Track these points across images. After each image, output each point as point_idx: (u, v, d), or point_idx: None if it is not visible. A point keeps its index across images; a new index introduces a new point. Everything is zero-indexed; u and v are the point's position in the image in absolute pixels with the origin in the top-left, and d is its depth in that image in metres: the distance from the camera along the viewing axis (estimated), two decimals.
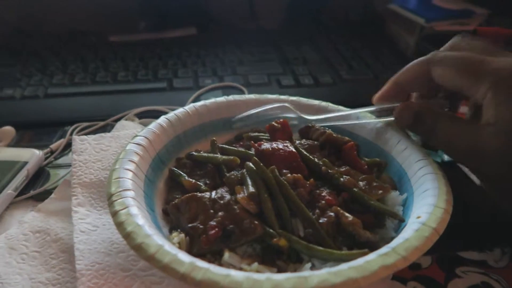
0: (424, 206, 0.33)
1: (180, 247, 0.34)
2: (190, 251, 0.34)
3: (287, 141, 0.41)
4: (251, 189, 0.36)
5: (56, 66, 0.74)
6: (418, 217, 0.32)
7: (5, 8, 0.89)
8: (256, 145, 0.41)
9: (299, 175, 0.37)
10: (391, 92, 0.43)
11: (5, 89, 0.66)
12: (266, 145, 0.40)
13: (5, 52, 0.81)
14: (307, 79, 0.70)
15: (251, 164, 0.38)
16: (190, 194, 0.37)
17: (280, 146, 0.40)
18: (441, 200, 0.34)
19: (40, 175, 0.49)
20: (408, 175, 0.40)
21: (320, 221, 0.34)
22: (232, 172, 0.39)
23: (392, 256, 0.28)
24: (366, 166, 0.41)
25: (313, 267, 0.32)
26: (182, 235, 0.35)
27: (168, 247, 0.29)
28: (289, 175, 0.38)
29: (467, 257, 0.40)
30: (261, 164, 0.37)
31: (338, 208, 0.35)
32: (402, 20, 0.85)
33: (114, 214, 0.32)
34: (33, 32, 0.90)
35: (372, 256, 0.29)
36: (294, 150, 0.40)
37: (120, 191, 0.34)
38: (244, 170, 0.38)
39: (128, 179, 0.36)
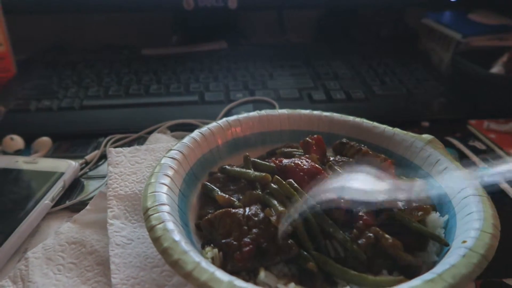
0: (469, 231, 0.32)
1: (213, 262, 0.33)
2: (224, 267, 0.33)
3: (309, 159, 0.41)
4: (279, 208, 0.35)
5: (91, 78, 0.76)
6: (464, 242, 0.31)
7: (43, 23, 0.92)
8: (277, 161, 0.40)
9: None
10: None
11: (44, 100, 0.68)
12: (287, 161, 0.40)
13: (43, 65, 0.83)
14: (339, 94, 0.69)
15: (273, 185, 0.37)
16: (224, 210, 0.37)
17: (303, 161, 0.40)
18: (487, 224, 0.32)
19: (75, 186, 0.50)
20: (449, 196, 0.38)
21: (359, 242, 0.33)
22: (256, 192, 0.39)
23: (439, 283, 0.27)
24: None
25: None
26: (216, 250, 0.35)
27: (205, 265, 0.29)
28: None
29: None
30: (283, 182, 0.37)
31: (378, 229, 0.34)
32: (436, 35, 0.83)
33: (151, 228, 0.32)
34: (69, 46, 0.93)
35: (417, 282, 0.27)
36: (316, 165, 0.39)
37: (156, 205, 0.34)
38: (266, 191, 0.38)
39: (164, 193, 0.36)
